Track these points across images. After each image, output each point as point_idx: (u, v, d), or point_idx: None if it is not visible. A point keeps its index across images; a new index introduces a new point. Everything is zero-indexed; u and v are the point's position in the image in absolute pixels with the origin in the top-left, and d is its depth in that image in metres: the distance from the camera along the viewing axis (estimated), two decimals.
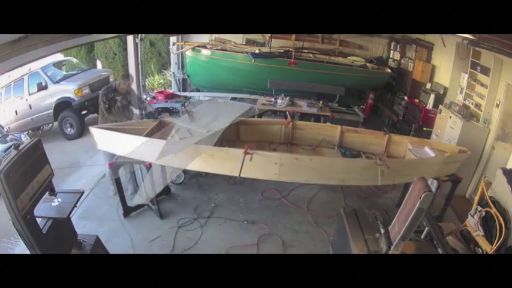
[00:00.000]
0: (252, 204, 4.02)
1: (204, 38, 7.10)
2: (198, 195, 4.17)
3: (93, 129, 3.58)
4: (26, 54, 2.40)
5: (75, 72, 6.95)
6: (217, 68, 6.82)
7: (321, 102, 5.72)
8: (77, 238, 2.55)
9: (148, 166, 3.48)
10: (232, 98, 7.16)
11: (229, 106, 4.63)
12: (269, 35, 6.96)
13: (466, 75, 4.53)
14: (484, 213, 2.57)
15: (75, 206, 2.43)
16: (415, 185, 2.09)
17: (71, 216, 2.45)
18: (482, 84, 4.21)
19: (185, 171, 4.30)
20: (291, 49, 6.63)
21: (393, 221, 2.30)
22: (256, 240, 3.42)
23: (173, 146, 3.28)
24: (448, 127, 4.44)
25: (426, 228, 2.36)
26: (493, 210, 2.48)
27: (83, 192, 2.60)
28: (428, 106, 5.59)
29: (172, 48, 7.80)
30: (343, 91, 6.52)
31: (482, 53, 4.18)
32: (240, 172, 3.07)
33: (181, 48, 7.19)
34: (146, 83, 7.92)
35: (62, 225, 2.37)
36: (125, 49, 7.73)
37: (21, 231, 1.98)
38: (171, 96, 6.51)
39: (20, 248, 2.73)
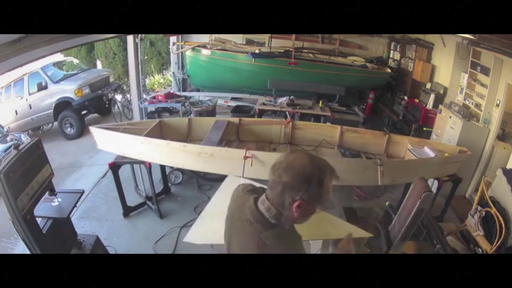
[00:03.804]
0: None
1: (204, 38, 7.10)
2: (198, 195, 4.17)
3: (93, 129, 3.58)
4: (26, 54, 2.40)
5: (75, 72, 6.96)
6: (217, 68, 6.82)
7: (320, 102, 5.72)
8: (77, 238, 2.55)
9: (148, 166, 3.48)
10: (233, 98, 7.17)
11: None
12: (269, 35, 6.96)
13: (466, 75, 4.53)
14: (484, 213, 2.57)
15: (75, 206, 2.43)
16: (415, 185, 2.10)
17: (71, 216, 2.45)
18: (482, 84, 4.20)
19: (183, 171, 4.30)
20: (291, 49, 6.63)
21: (393, 221, 2.30)
22: None
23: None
24: (448, 127, 4.44)
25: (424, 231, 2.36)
26: (493, 210, 2.49)
27: (83, 192, 2.60)
28: (428, 106, 5.59)
29: (172, 48, 7.80)
30: (343, 91, 6.51)
31: (482, 53, 4.17)
32: (242, 177, 3.07)
33: (181, 48, 7.19)
34: (146, 83, 7.92)
35: (62, 225, 2.37)
36: (125, 49, 7.74)
37: (21, 231, 1.98)
38: (171, 96, 6.50)
39: (20, 248, 2.73)
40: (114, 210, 3.78)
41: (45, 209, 2.31)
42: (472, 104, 4.36)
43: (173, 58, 8.28)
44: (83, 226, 3.50)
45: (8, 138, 5.17)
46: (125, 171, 3.82)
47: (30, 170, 2.07)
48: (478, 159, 4.16)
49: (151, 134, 3.64)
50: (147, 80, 8.85)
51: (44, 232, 2.16)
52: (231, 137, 4.13)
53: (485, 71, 4.10)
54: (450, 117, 4.42)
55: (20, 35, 2.18)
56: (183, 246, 3.35)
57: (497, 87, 3.96)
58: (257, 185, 1.36)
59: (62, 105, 6.34)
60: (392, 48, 7.77)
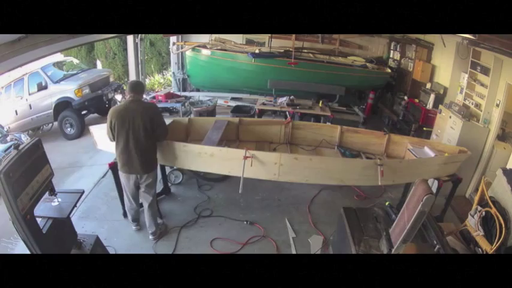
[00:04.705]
0: (252, 204, 4.02)
1: (204, 38, 7.11)
2: (198, 195, 4.17)
3: (93, 129, 3.58)
4: (26, 54, 2.40)
5: (75, 72, 6.96)
6: (217, 68, 6.83)
7: (320, 102, 5.72)
8: (77, 238, 2.55)
9: None
10: (232, 98, 7.17)
11: None
12: (269, 35, 6.97)
13: (466, 75, 4.53)
14: (484, 213, 2.57)
15: (75, 206, 2.43)
16: (417, 188, 2.08)
17: (71, 216, 2.45)
18: (482, 84, 4.20)
19: (183, 171, 4.30)
20: (291, 49, 6.63)
21: (394, 224, 2.30)
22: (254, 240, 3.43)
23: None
24: (448, 127, 4.44)
25: None
26: (493, 210, 2.48)
27: (83, 192, 2.60)
28: (428, 106, 5.59)
29: (172, 48, 7.81)
30: (343, 91, 6.52)
31: (482, 53, 4.17)
32: (242, 177, 3.08)
33: (181, 48, 7.19)
34: (146, 83, 7.92)
35: (62, 225, 2.37)
36: (125, 49, 7.76)
37: (21, 231, 1.98)
38: (171, 96, 6.51)
39: (20, 248, 2.73)
40: (114, 210, 3.78)
41: (45, 209, 2.31)
42: (472, 104, 4.36)
43: (173, 58, 8.29)
44: (83, 226, 3.50)
45: (8, 138, 5.16)
46: None
47: (30, 170, 2.07)
48: (478, 159, 4.16)
49: None
50: (147, 80, 8.86)
51: (44, 232, 2.16)
52: (231, 137, 4.13)
53: (485, 71, 4.10)
54: (450, 117, 4.42)
55: (20, 35, 2.18)
56: (183, 246, 3.35)
57: (497, 87, 3.96)
58: None
59: (62, 105, 6.34)
60: (392, 48, 7.77)
